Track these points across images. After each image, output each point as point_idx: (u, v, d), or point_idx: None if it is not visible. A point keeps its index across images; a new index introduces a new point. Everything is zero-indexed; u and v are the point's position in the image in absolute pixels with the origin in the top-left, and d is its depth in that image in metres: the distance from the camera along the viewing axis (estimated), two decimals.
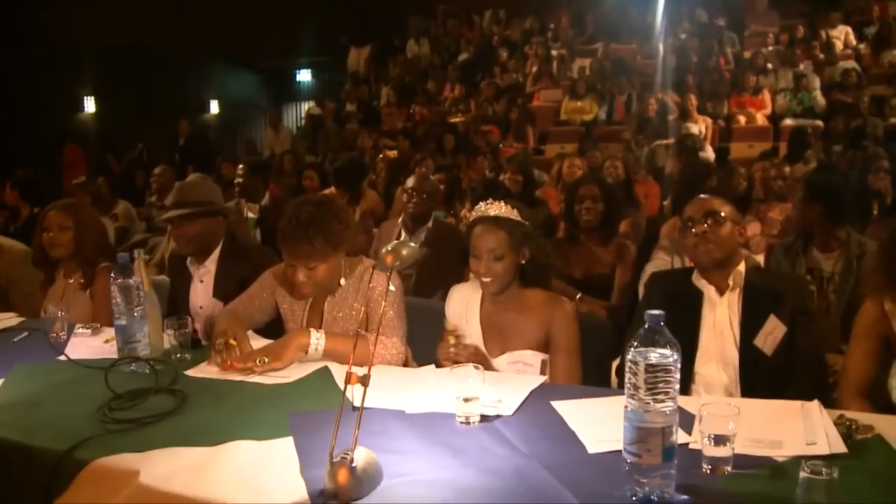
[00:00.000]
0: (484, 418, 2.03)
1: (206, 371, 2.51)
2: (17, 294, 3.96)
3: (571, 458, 1.79)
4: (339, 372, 2.48)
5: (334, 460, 1.64)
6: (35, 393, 2.35)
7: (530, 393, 2.21)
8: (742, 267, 2.54)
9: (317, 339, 2.55)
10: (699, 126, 9.09)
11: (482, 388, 2.06)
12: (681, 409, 1.81)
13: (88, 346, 2.87)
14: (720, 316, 2.51)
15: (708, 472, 1.67)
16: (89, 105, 13.10)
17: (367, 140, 10.48)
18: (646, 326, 1.54)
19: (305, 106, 14.93)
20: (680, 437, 1.78)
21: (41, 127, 10.98)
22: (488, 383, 2.16)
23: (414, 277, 4.30)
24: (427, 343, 2.74)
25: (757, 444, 1.79)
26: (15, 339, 3.00)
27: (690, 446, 1.78)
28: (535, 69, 11.75)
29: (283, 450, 1.88)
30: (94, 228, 3.62)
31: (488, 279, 2.55)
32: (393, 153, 7.82)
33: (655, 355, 1.51)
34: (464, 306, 2.70)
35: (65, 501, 1.88)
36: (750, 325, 2.46)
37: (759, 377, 2.41)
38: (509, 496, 1.61)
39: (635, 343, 1.52)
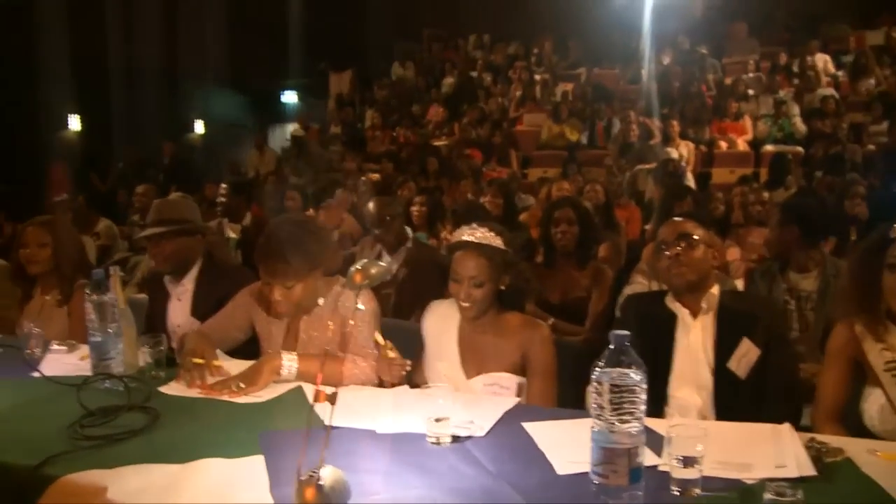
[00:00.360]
0: (455, 439, 2.03)
1: (179, 389, 2.50)
2: None
3: (540, 479, 1.79)
4: (312, 392, 2.46)
5: (301, 478, 1.64)
6: (6, 408, 2.33)
7: (503, 415, 2.22)
8: (716, 290, 2.57)
9: (290, 362, 2.55)
10: (681, 151, 9.19)
11: (454, 409, 2.07)
12: (653, 432, 1.84)
13: (64, 362, 2.85)
14: (694, 339, 2.53)
15: (677, 494, 1.68)
16: (74, 123, 13.07)
17: (351, 162, 10.51)
18: (611, 347, 1.55)
19: (291, 128, 14.96)
20: (650, 459, 1.80)
21: (25, 144, 10.95)
22: (461, 404, 2.17)
23: (392, 298, 4.30)
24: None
25: (726, 467, 1.80)
26: None
27: (660, 468, 1.79)
28: (518, 93, 11.86)
29: (253, 468, 1.88)
30: (72, 245, 3.61)
31: (467, 304, 2.56)
32: (375, 176, 7.86)
33: (620, 376, 1.52)
34: (442, 324, 2.70)
35: None
36: (723, 347, 2.48)
37: (734, 400, 2.42)
38: None
39: (601, 363, 1.54)
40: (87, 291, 2.52)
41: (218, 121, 15.59)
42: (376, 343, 2.45)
